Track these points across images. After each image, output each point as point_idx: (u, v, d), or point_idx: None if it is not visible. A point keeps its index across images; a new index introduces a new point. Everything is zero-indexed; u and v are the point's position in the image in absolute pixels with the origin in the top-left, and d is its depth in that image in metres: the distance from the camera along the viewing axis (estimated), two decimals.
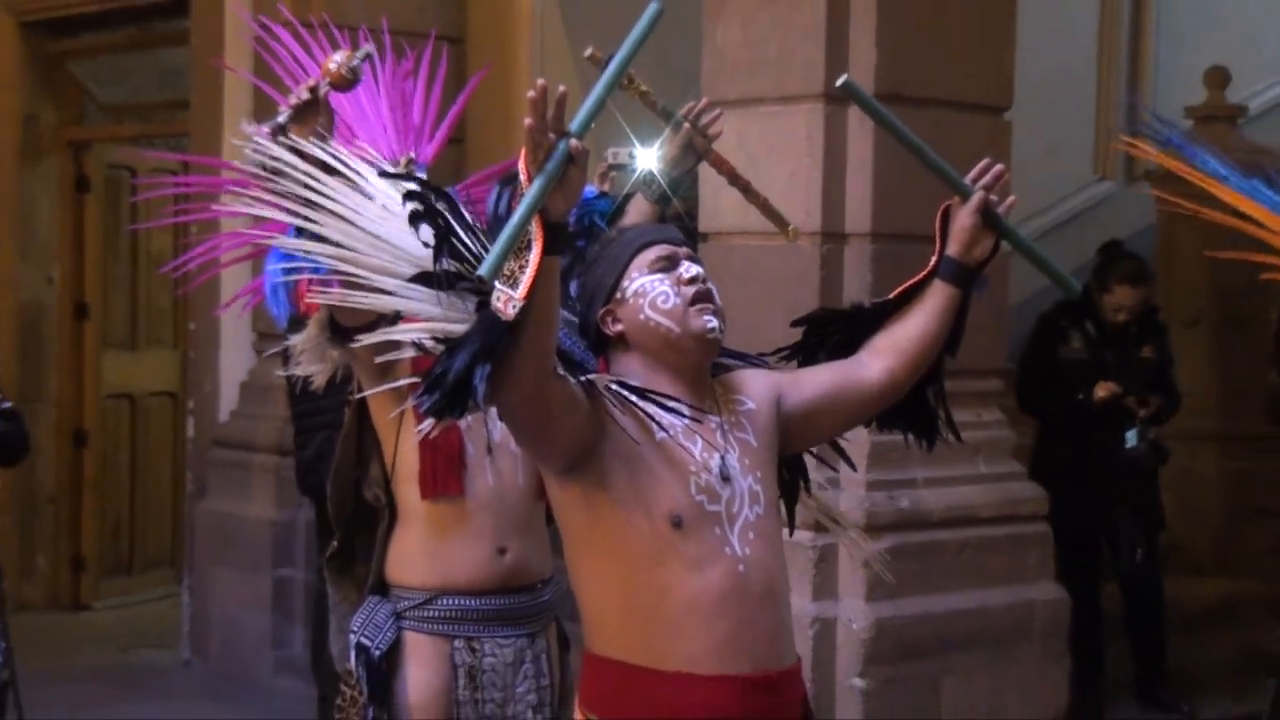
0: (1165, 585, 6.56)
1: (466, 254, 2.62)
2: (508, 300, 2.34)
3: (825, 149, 5.31)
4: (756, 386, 2.83)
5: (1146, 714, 6.40)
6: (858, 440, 4.91)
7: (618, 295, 2.74)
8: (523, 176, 2.34)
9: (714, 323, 2.72)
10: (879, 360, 2.87)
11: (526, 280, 2.34)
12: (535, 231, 2.34)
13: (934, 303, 2.86)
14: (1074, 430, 6.34)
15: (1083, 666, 6.04)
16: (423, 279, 2.69)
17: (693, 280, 2.73)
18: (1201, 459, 7.61)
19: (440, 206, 2.66)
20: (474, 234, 2.67)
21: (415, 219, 2.66)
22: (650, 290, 2.72)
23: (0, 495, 7.19)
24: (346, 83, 3.35)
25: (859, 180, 5.33)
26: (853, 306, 3.01)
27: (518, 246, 2.34)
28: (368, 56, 3.41)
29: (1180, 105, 7.97)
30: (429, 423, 2.48)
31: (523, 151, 2.34)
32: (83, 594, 9.08)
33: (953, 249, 2.85)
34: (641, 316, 2.71)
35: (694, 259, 2.79)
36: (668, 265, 2.75)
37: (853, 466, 3.40)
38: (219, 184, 4.15)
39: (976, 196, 2.83)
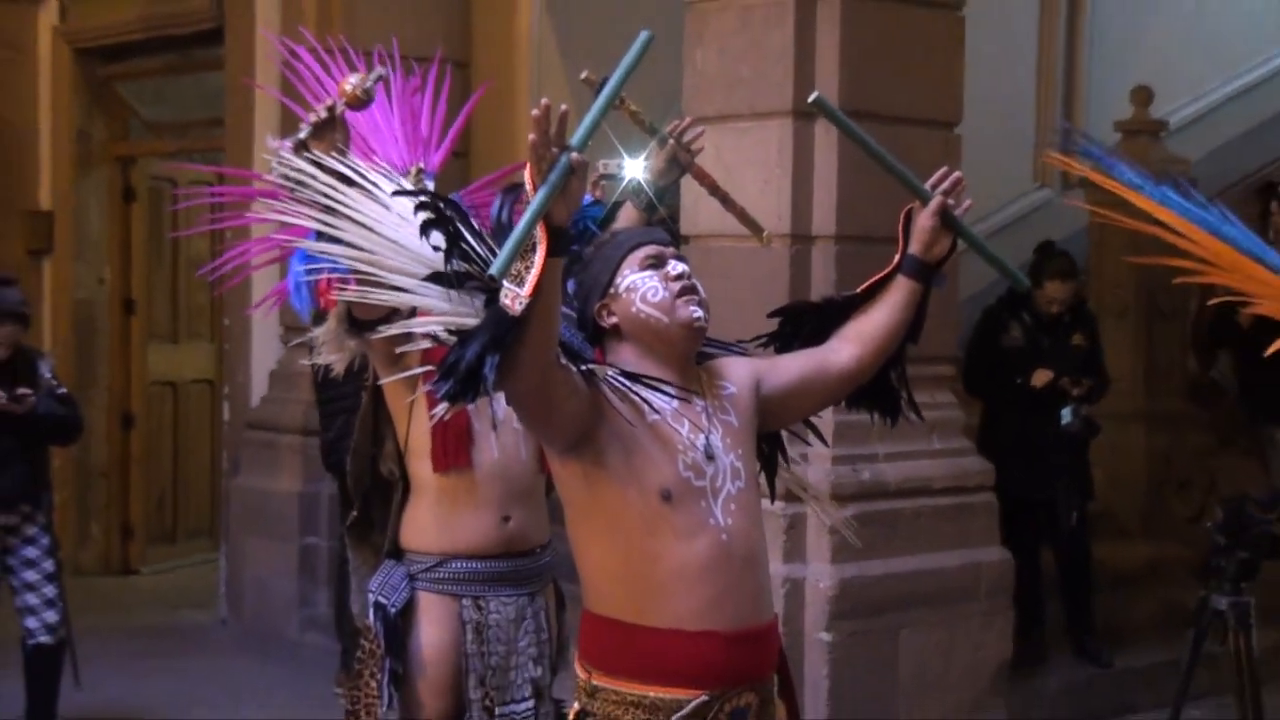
0: (1096, 549, 6.60)
1: (474, 256, 2.59)
2: (515, 297, 2.31)
3: (794, 160, 5.30)
4: (738, 372, 2.81)
5: (1078, 661, 6.43)
6: (824, 418, 4.89)
7: (611, 291, 2.71)
8: (528, 186, 2.31)
9: (699, 312, 2.69)
10: (848, 348, 2.86)
11: (532, 279, 2.31)
12: (540, 235, 2.31)
13: (897, 296, 2.84)
14: (1015, 410, 6.34)
15: (1024, 621, 6.04)
16: (435, 278, 2.66)
17: (679, 277, 2.71)
18: (1128, 435, 7.61)
19: (449, 214, 2.63)
20: (479, 238, 2.64)
21: (427, 226, 2.62)
22: (641, 286, 2.69)
23: (58, 471, 7.19)
24: (361, 102, 3.32)
25: (824, 188, 5.32)
26: (824, 300, 2.98)
27: (524, 249, 2.31)
28: (380, 78, 3.38)
29: (1110, 120, 7.98)
30: (443, 406, 2.45)
31: (527, 164, 2.31)
32: (131, 560, 9.09)
33: (914, 248, 2.83)
34: (633, 309, 2.68)
35: (680, 258, 2.77)
36: (656, 263, 2.73)
37: (825, 442, 3.38)
38: (250, 194, 4.12)
39: (936, 200, 2.81)
